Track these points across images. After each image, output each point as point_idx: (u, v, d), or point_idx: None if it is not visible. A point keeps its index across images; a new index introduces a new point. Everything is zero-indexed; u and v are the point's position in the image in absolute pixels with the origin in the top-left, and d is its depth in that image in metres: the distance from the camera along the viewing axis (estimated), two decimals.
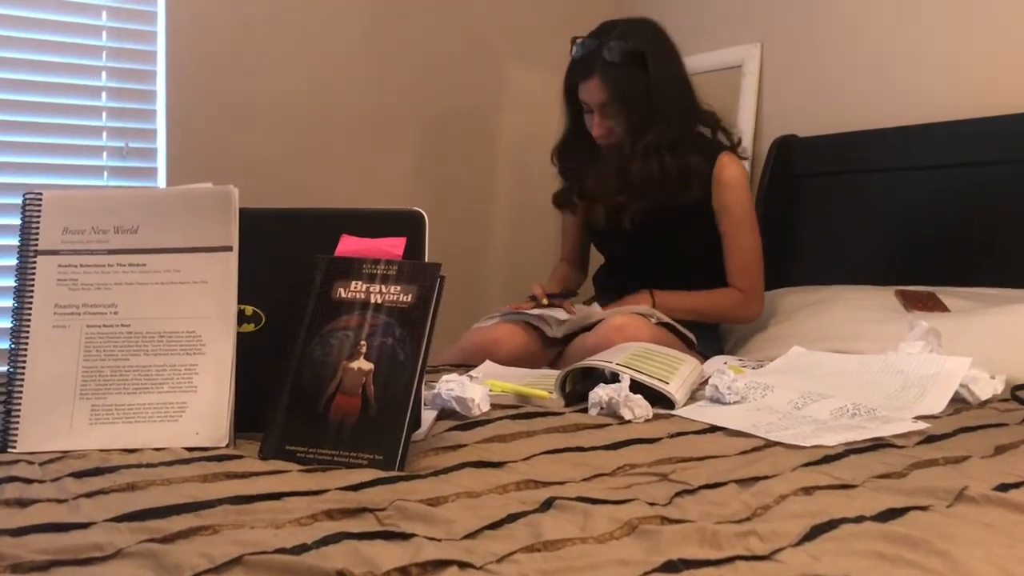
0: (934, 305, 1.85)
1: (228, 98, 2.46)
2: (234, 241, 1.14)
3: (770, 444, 1.10)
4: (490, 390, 1.38)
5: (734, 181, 2.02)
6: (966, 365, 1.39)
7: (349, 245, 1.13)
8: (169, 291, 1.12)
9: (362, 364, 1.05)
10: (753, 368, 1.61)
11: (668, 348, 1.55)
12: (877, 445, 1.09)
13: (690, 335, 1.91)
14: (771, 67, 2.62)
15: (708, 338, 2.01)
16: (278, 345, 1.09)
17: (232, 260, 1.13)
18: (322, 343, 1.07)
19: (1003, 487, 0.90)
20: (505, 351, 1.84)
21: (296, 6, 2.54)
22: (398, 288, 1.08)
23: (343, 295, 1.09)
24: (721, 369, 1.36)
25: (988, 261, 2.05)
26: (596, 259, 2.28)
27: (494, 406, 1.29)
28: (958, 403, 1.36)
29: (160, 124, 2.42)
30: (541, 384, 1.42)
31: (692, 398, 1.39)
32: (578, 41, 2.01)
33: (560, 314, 1.89)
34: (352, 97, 2.64)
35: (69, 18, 2.29)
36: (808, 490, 0.90)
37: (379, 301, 1.07)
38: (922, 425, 1.18)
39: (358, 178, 2.66)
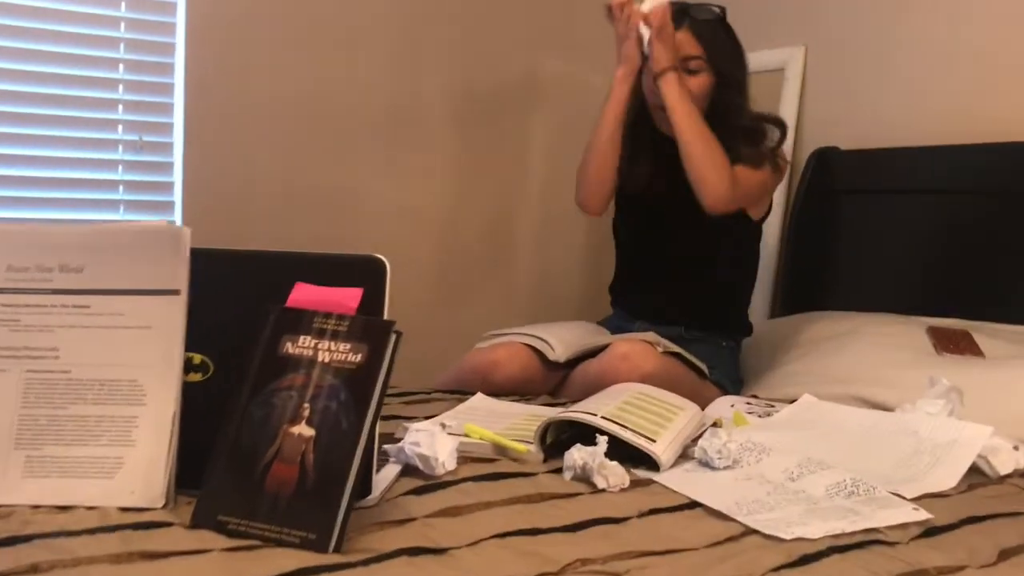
0: (967, 347, 1.72)
1: (248, 92, 2.40)
2: (183, 284, 1.07)
3: (748, 531, 1.00)
4: (466, 435, 1.31)
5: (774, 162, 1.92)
6: (986, 435, 1.27)
7: (303, 294, 1.06)
8: (112, 336, 1.06)
9: (303, 430, 0.97)
10: (760, 416, 1.51)
11: (666, 393, 1.45)
12: (866, 541, 0.98)
13: (702, 365, 1.80)
14: (815, 73, 2.47)
15: (725, 366, 1.91)
16: (227, 397, 1.03)
17: (180, 304, 1.07)
18: (265, 402, 1.00)
19: None
20: (504, 375, 1.76)
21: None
22: (348, 346, 1.00)
23: (290, 351, 1.01)
24: (713, 431, 1.25)
25: None
26: (609, 274, 2.17)
27: (465, 459, 1.21)
28: (975, 476, 1.24)
29: (177, 118, 2.37)
30: (526, 429, 1.34)
31: (684, 454, 1.29)
32: None
33: None
34: (376, 94, 2.56)
35: (87, 8, 2.24)
36: None
37: (327, 360, 1.00)
38: (923, 515, 1.07)
39: (380, 177, 2.59)
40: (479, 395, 1.62)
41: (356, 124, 2.54)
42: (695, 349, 1.86)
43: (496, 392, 1.69)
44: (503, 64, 2.73)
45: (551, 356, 1.78)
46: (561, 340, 1.80)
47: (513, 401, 1.64)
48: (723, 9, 1.89)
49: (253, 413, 0.99)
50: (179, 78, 2.35)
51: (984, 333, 1.79)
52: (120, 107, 2.32)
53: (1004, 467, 1.26)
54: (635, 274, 2.07)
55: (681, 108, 1.79)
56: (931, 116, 2.18)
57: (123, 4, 2.28)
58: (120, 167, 2.33)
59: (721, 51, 1.85)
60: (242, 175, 2.41)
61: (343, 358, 0.99)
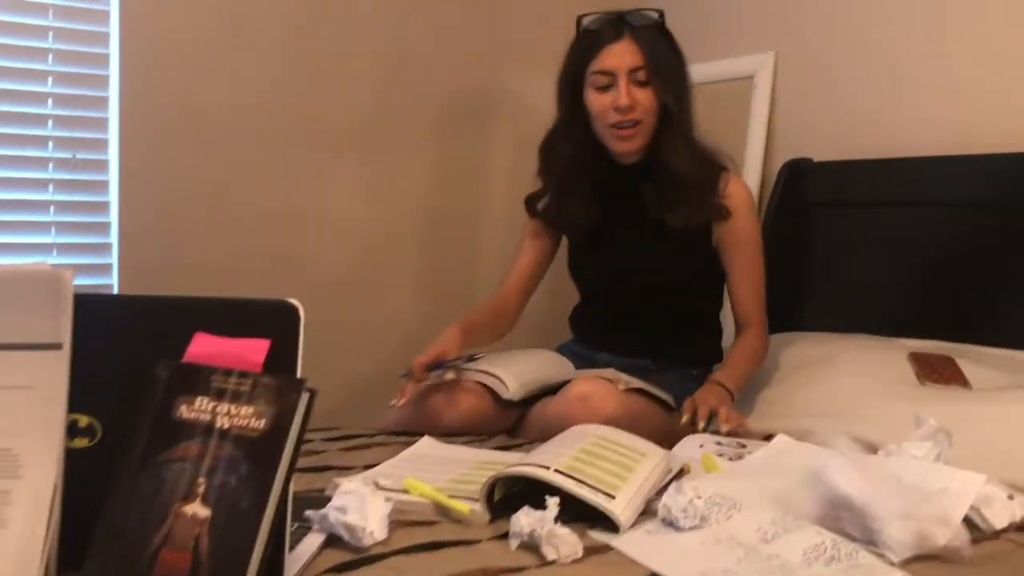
0: (952, 376, 1.61)
1: (187, 105, 2.26)
2: (65, 337, 0.93)
3: None
4: (406, 490, 1.18)
5: (746, 202, 1.81)
6: (979, 483, 1.15)
7: (202, 347, 0.92)
8: None
9: (198, 509, 0.84)
10: (731, 459, 1.39)
11: (629, 436, 1.32)
12: None
13: (668, 398, 1.68)
14: (785, 80, 2.36)
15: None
16: (117, 464, 0.89)
17: (63, 360, 0.92)
18: (154, 476, 0.86)
19: None
20: (455, 416, 1.63)
21: (263, 5, 2.33)
22: (250, 410, 0.86)
23: (185, 415, 0.88)
24: (678, 486, 1.13)
25: (1016, 317, 1.79)
26: (569, 295, 2.04)
27: (399, 523, 1.07)
28: (967, 530, 1.12)
29: (112, 134, 2.22)
30: (474, 481, 1.21)
31: (648, 509, 1.16)
32: (586, 17, 1.78)
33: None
34: (320, 107, 2.42)
35: (12, 18, 2.09)
36: None
37: (226, 426, 0.86)
38: None
39: (326, 192, 2.45)
40: (427, 439, 1.48)
41: (301, 138, 2.41)
42: (663, 379, 1.75)
43: (447, 434, 1.56)
44: (454, 77, 2.61)
45: (504, 395, 1.65)
46: (516, 376, 1.67)
47: (465, 443, 1.51)
48: (661, 13, 1.78)
49: (141, 488, 0.86)
50: (113, 91, 2.20)
51: (969, 359, 1.68)
52: (50, 122, 2.17)
53: (999, 520, 1.14)
54: (596, 310, 1.95)
55: (744, 382, 1.74)
56: (907, 127, 2.08)
57: (51, 12, 2.14)
58: (51, 186, 2.18)
59: (662, 59, 1.73)
60: (182, 192, 2.27)
61: (244, 424, 0.86)
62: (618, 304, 1.89)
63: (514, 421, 1.71)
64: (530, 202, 1.93)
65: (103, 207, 2.23)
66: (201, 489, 0.84)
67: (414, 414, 1.64)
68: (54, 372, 0.92)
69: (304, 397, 0.86)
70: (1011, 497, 1.18)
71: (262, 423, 0.86)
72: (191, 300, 0.98)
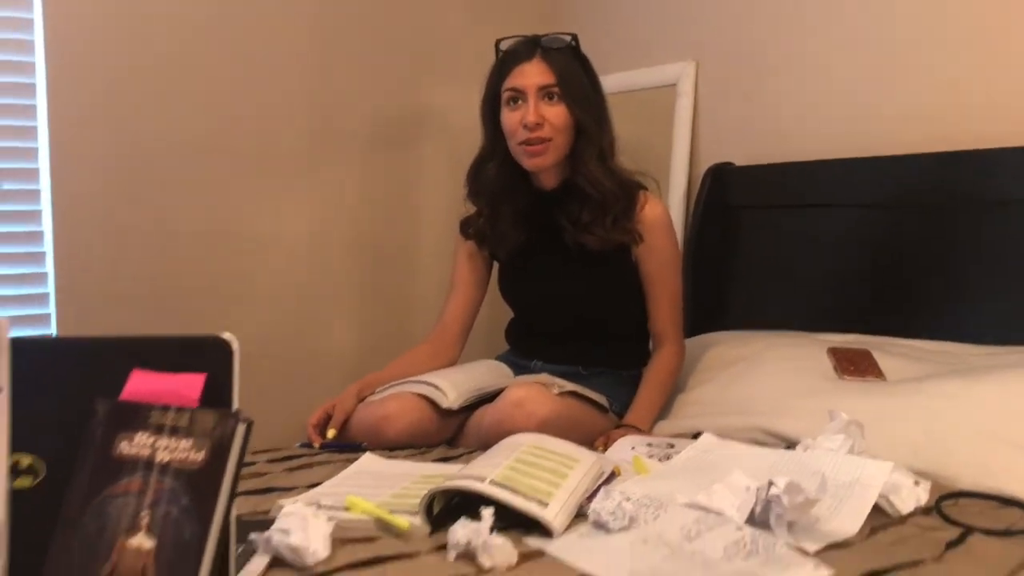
0: (867, 368, 1.69)
1: (121, 130, 2.26)
2: (4, 379, 0.95)
3: None
4: (348, 508, 1.22)
5: (662, 221, 1.86)
6: (886, 471, 1.23)
7: (140, 384, 0.95)
8: None
9: (143, 541, 0.87)
10: (660, 459, 1.45)
11: (562, 443, 1.37)
12: None
13: (601, 399, 1.74)
14: (706, 88, 2.44)
15: (627, 396, 1.84)
16: (62, 502, 0.92)
17: (2, 403, 0.95)
18: (98, 512, 0.89)
19: None
20: (396, 430, 1.67)
21: (196, 23, 2.34)
22: (188, 443, 0.90)
23: (126, 451, 0.91)
24: (607, 491, 1.18)
25: (932, 309, 1.89)
26: (507, 308, 2.10)
27: (342, 541, 1.12)
28: (877, 516, 1.20)
29: (43, 163, 2.22)
30: (415, 496, 1.25)
31: (581, 512, 1.22)
32: (504, 40, 1.85)
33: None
34: (252, 132, 2.44)
35: None
36: None
37: (166, 459, 0.90)
38: (824, 572, 1.01)
39: (260, 215, 2.48)
40: (368, 456, 1.52)
41: (240, 156, 2.43)
42: (596, 383, 1.81)
43: (389, 447, 1.61)
44: (392, 97, 2.65)
45: (443, 404, 1.69)
46: (455, 385, 1.72)
47: (407, 457, 1.56)
48: (574, 37, 1.83)
49: (86, 525, 0.89)
50: (42, 121, 2.20)
51: (884, 351, 1.77)
52: None
53: (905, 506, 1.22)
54: (528, 325, 2.00)
55: (657, 408, 1.80)
56: (824, 130, 2.17)
57: None
58: None
59: (573, 78, 1.78)
60: (118, 221, 2.27)
61: (184, 457, 0.89)
62: (547, 323, 1.95)
63: (455, 430, 1.75)
64: (464, 225, 1.98)
65: (37, 237, 2.23)
66: (145, 521, 0.87)
67: (361, 430, 1.68)
68: None
69: (241, 428, 0.90)
70: (917, 483, 1.26)
71: (201, 455, 0.89)
72: (126, 340, 1.01)
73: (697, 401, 1.79)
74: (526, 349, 1.97)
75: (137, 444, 0.91)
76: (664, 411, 1.82)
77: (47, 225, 2.23)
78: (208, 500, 0.87)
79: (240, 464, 0.89)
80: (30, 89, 2.19)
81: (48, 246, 2.22)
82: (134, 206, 2.29)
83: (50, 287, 2.22)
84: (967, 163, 1.83)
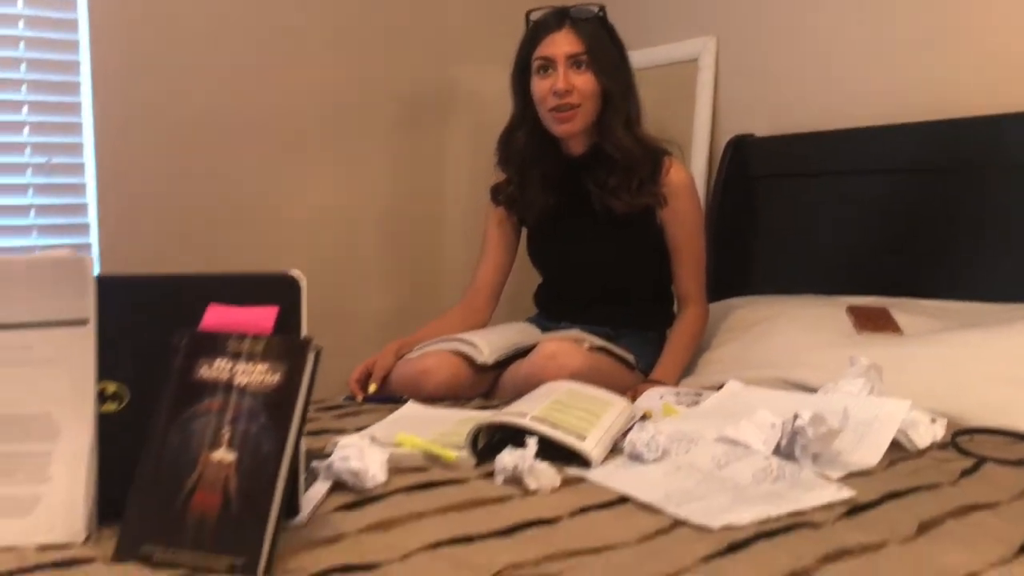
0: (885, 324, 1.76)
1: (160, 106, 2.36)
2: (91, 313, 1.04)
3: (678, 524, 1.01)
4: (397, 445, 1.30)
5: (686, 186, 1.93)
6: (905, 409, 1.31)
7: (216, 317, 1.03)
8: (19, 371, 1.02)
9: (224, 455, 0.95)
10: (688, 405, 1.53)
11: (595, 389, 1.46)
12: (793, 524, 1.00)
13: (629, 356, 1.82)
14: (727, 62, 2.50)
15: (653, 355, 1.92)
16: (144, 425, 1.00)
17: (89, 335, 1.03)
18: (182, 429, 0.97)
19: None
20: (435, 383, 1.75)
21: (230, 10, 2.42)
22: (264, 367, 0.98)
23: (206, 375, 0.99)
24: (642, 424, 1.26)
25: (949, 271, 1.96)
26: (528, 276, 2.18)
27: (396, 470, 1.20)
28: (896, 451, 1.27)
29: (87, 137, 2.31)
30: (457, 435, 1.33)
31: (615, 448, 1.30)
32: (534, 12, 1.92)
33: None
34: (293, 103, 2.53)
35: None
36: None
37: (244, 382, 0.98)
38: (846, 493, 1.09)
39: (301, 185, 2.56)
40: (410, 403, 1.61)
41: (274, 134, 2.51)
42: (622, 342, 1.88)
43: (428, 400, 1.69)
44: (420, 73, 2.72)
45: (479, 359, 1.77)
46: (489, 342, 1.80)
47: (446, 408, 1.64)
48: (602, 8, 1.90)
49: (171, 440, 0.97)
50: (86, 96, 2.29)
51: (903, 310, 1.84)
52: (26, 129, 2.25)
53: (923, 440, 1.29)
54: (557, 290, 2.08)
55: (681, 370, 1.87)
56: (843, 100, 2.23)
57: (21, 22, 2.22)
58: (30, 190, 2.26)
59: (601, 48, 1.85)
60: (159, 191, 2.36)
61: (261, 379, 0.98)
62: (576, 287, 2.02)
63: (490, 385, 1.83)
64: (495, 191, 2.06)
65: (82, 208, 2.32)
66: (226, 437, 0.96)
67: (400, 384, 1.77)
68: (82, 346, 1.03)
69: (312, 353, 0.98)
70: (933, 420, 1.33)
71: (276, 378, 0.97)
72: (202, 276, 1.10)
73: (720, 360, 1.86)
74: (555, 312, 2.04)
75: (217, 368, 0.99)
76: (688, 369, 1.90)
77: (91, 197, 2.32)
78: (283, 418, 0.96)
79: (312, 386, 0.98)
80: (73, 66, 2.28)
81: (92, 217, 2.31)
82: (173, 182, 2.38)
83: (95, 257, 2.31)
84: (983, 128, 1.89)
